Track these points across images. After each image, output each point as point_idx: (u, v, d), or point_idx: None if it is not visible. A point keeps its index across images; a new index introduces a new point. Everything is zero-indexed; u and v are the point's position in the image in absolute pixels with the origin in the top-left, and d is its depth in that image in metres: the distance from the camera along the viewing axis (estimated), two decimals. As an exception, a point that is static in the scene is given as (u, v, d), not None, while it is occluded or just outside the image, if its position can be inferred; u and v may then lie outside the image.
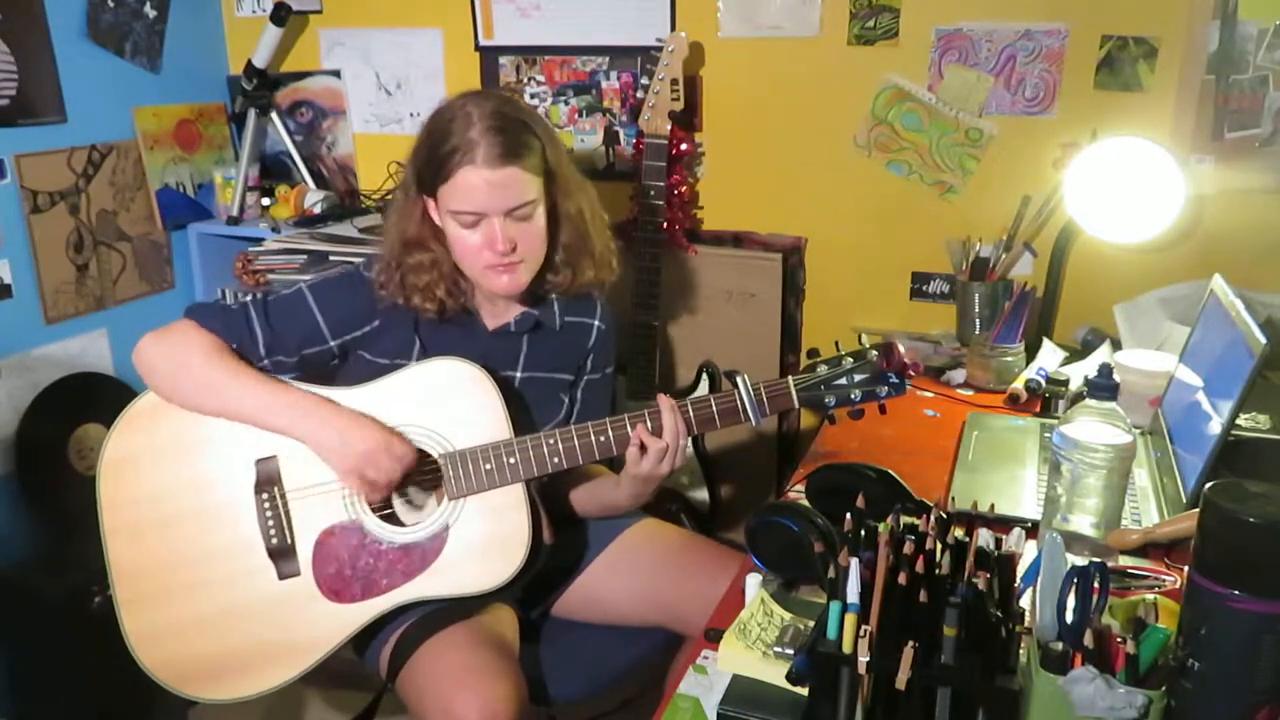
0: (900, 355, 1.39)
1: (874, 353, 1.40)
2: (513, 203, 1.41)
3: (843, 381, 1.41)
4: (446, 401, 1.44)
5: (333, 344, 1.50)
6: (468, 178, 1.39)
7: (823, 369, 1.41)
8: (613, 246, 1.59)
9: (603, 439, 1.42)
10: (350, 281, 1.52)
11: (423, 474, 1.46)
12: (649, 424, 1.41)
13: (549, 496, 1.56)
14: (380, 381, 1.45)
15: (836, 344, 1.46)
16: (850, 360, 1.41)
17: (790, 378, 1.41)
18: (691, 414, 1.42)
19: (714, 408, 1.42)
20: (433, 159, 1.42)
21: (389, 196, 2.42)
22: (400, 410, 1.43)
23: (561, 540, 1.55)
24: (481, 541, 1.42)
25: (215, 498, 1.42)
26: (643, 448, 1.40)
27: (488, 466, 1.41)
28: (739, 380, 1.41)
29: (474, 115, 1.40)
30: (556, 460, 1.42)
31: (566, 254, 1.53)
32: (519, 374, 1.57)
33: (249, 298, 1.50)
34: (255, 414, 1.40)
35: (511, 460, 1.41)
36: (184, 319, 1.46)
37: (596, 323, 1.63)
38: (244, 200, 2.58)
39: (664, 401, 1.41)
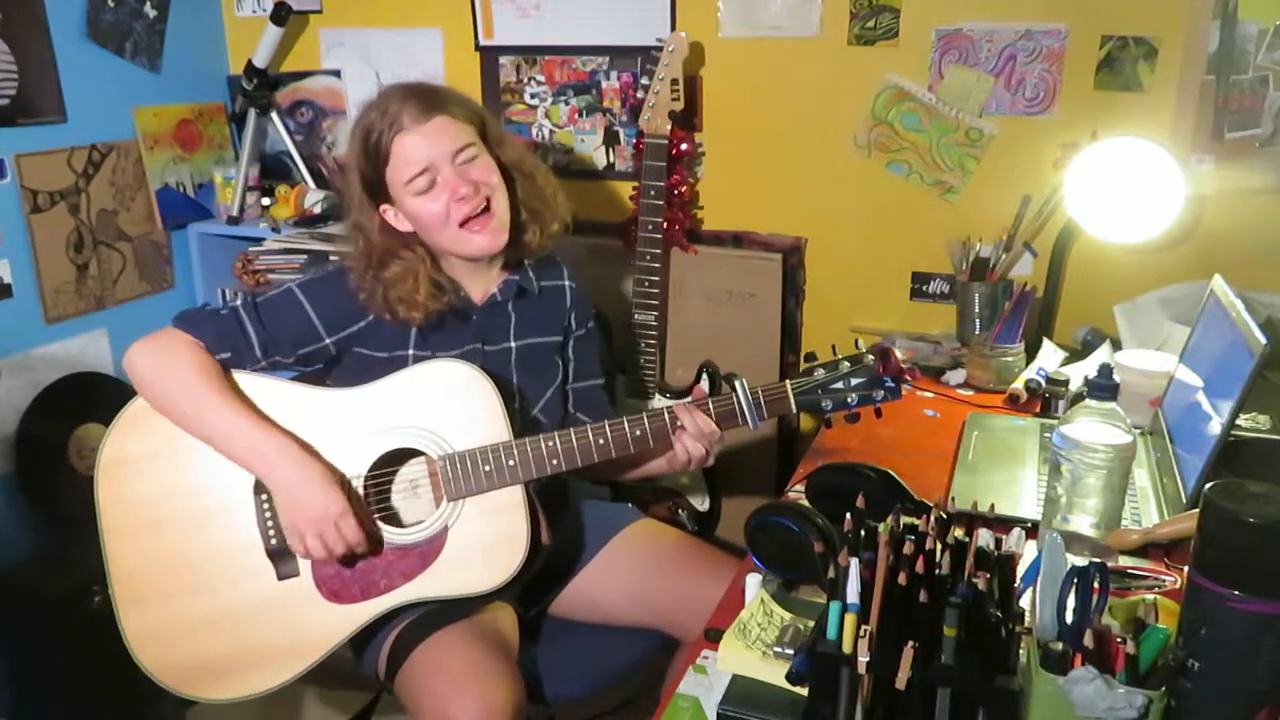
0: (897, 360, 1.39)
1: (871, 357, 1.40)
2: (454, 145, 1.45)
3: (839, 386, 1.41)
4: (445, 403, 1.44)
5: (328, 341, 1.49)
6: (403, 142, 1.43)
7: (820, 373, 1.41)
8: (556, 183, 1.62)
9: (601, 441, 1.42)
10: (340, 278, 1.51)
11: (422, 476, 1.46)
12: (683, 423, 1.42)
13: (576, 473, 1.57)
14: (379, 383, 1.45)
15: (834, 348, 1.46)
16: (847, 364, 1.41)
17: (788, 382, 1.41)
18: None
19: (712, 411, 1.43)
20: (367, 152, 1.46)
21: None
22: (399, 412, 1.43)
23: (558, 540, 1.55)
24: (480, 542, 1.42)
25: (214, 499, 1.42)
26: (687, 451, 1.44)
27: (486, 468, 1.41)
28: (737, 384, 1.41)
29: (387, 97, 1.46)
30: (555, 462, 1.42)
31: (529, 211, 1.56)
32: (514, 343, 1.58)
33: (238, 300, 1.49)
34: (226, 450, 1.39)
35: (510, 462, 1.41)
36: (172, 328, 1.44)
37: (567, 283, 1.67)
38: (244, 200, 2.58)
39: (680, 407, 1.42)
